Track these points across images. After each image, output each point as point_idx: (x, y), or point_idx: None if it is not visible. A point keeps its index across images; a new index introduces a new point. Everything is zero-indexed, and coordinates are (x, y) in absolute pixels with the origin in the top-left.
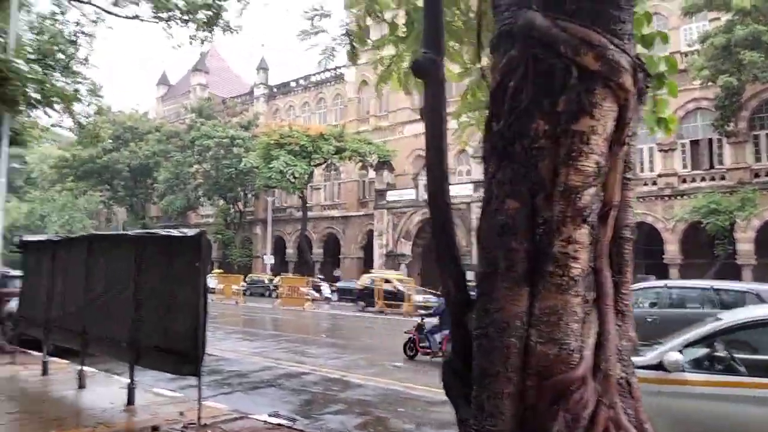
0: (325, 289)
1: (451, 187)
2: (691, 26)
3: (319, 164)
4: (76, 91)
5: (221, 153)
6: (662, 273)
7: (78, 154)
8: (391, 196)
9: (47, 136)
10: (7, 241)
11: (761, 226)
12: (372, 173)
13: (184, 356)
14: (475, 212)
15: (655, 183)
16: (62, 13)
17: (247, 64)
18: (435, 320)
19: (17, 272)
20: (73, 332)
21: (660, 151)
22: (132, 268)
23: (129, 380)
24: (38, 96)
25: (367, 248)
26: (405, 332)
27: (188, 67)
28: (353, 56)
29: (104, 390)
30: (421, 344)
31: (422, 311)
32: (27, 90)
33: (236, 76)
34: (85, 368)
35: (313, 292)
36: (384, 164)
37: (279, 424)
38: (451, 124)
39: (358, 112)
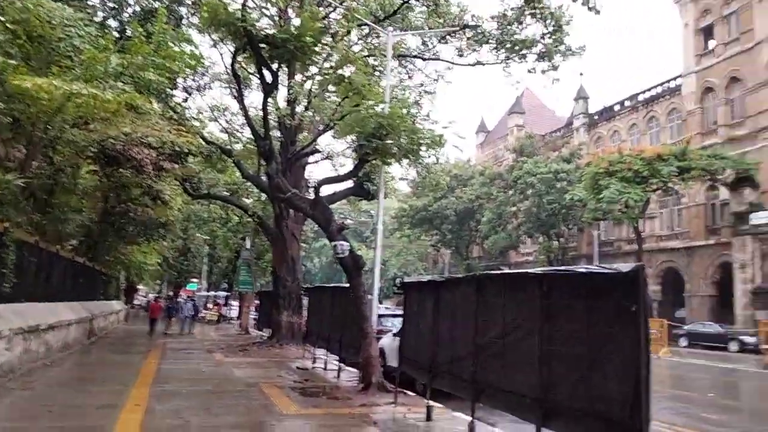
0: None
1: None
2: None
3: (656, 189)
4: (440, 136)
5: (543, 189)
6: None
7: (413, 204)
8: (758, 218)
9: (392, 191)
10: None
11: None
12: (725, 193)
13: (616, 426)
14: None
15: None
16: (409, 77)
17: (563, 97)
18: None
19: (387, 310)
20: (462, 379)
21: None
22: (538, 312)
23: None
24: (408, 147)
25: (721, 284)
26: None
27: (503, 112)
28: None
29: None
30: None
31: None
32: (401, 141)
33: (551, 112)
34: (475, 420)
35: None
36: (744, 181)
37: None
38: None
39: (701, 124)
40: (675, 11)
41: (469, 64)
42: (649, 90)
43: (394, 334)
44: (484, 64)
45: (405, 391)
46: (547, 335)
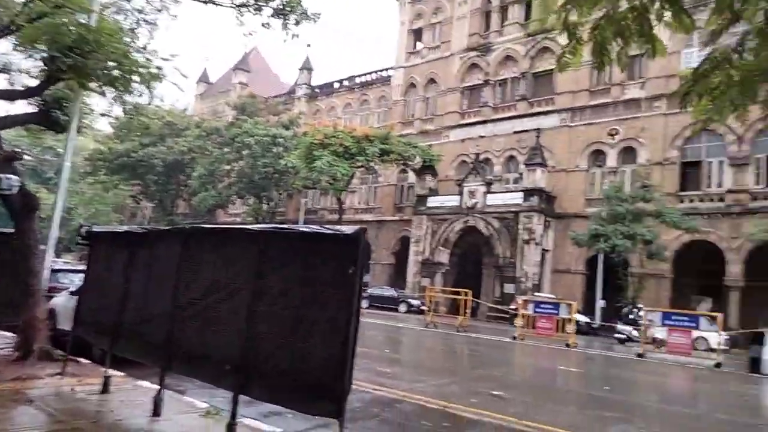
0: None
1: (498, 195)
2: None
3: (360, 166)
4: (159, 69)
5: (259, 152)
6: (719, 295)
7: (114, 148)
8: (433, 201)
9: (89, 127)
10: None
11: None
12: (412, 178)
13: (319, 389)
14: (523, 222)
15: (722, 199)
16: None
17: (288, 65)
18: None
19: (65, 265)
20: (153, 344)
21: (731, 165)
22: (251, 271)
23: (230, 415)
24: (117, 73)
25: (400, 255)
26: None
27: (228, 66)
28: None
29: (184, 420)
30: None
31: None
32: (107, 65)
33: (275, 76)
34: (164, 390)
35: None
36: (427, 169)
37: None
38: None
39: (402, 114)
40: (396, 8)
41: (201, 1)
42: (365, 75)
43: (72, 293)
44: (216, 4)
45: (78, 359)
46: (258, 296)
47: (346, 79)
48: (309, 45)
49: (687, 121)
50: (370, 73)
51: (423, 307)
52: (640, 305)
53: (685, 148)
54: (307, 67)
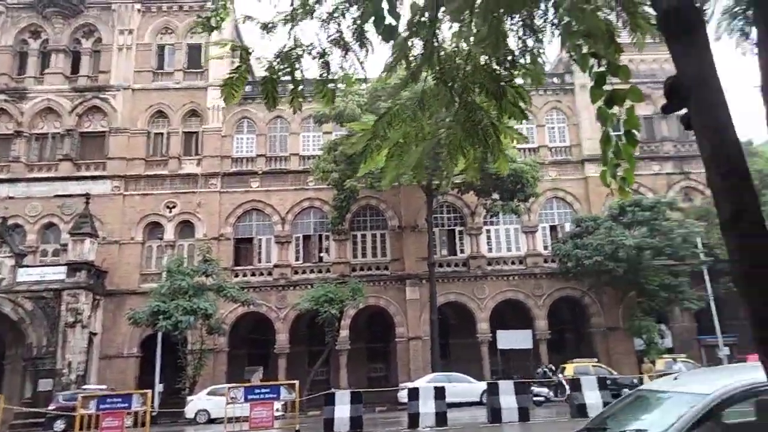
0: None
1: (33, 270)
2: (309, 134)
3: None
4: None
5: None
6: (268, 363)
7: None
8: None
9: None
10: None
11: (355, 314)
12: None
13: None
14: (67, 302)
15: (270, 273)
16: None
17: None
18: None
19: None
20: None
21: (277, 243)
22: None
23: None
24: None
25: None
26: None
27: None
28: None
29: None
30: None
31: None
32: None
33: None
34: None
35: None
36: None
37: None
38: None
39: None
40: None
41: None
42: None
43: None
44: None
45: None
46: None
47: None
48: None
49: (239, 200)
50: None
51: None
52: (551, 365)
53: (238, 225)
54: None
